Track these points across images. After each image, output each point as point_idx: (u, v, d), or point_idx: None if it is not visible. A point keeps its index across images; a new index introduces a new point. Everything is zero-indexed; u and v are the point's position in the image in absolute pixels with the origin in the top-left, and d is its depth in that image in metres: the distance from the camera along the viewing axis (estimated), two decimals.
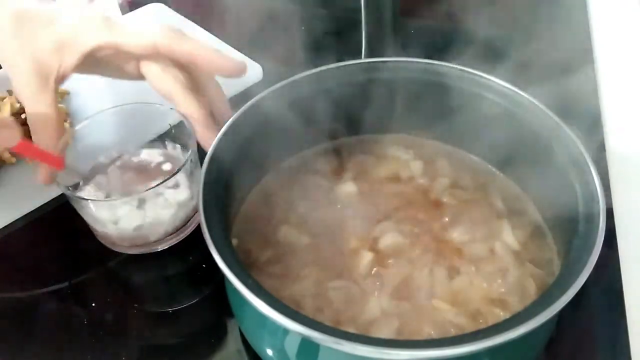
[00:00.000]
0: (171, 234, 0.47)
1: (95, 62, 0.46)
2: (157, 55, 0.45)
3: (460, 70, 0.45)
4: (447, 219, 0.43)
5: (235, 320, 0.42)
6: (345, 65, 0.46)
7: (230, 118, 0.42)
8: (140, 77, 0.48)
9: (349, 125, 0.49)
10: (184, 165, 0.43)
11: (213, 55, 0.45)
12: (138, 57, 0.46)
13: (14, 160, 0.54)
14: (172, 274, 0.49)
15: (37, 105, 0.45)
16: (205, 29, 0.70)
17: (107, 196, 0.46)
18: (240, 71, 0.46)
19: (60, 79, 0.46)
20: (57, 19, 0.45)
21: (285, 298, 0.39)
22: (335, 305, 0.39)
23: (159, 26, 0.45)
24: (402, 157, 0.48)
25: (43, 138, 0.46)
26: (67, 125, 0.55)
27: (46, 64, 0.44)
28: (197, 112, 0.45)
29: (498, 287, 0.39)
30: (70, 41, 0.44)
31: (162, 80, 0.45)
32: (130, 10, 0.76)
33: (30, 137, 0.56)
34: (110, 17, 0.45)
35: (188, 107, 0.45)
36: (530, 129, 0.42)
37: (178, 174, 0.43)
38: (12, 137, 0.42)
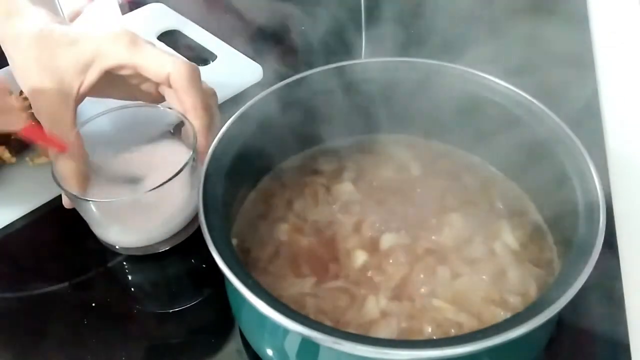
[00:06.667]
0: (172, 235, 0.47)
1: (112, 80, 0.47)
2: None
3: (461, 70, 0.45)
4: (446, 219, 0.43)
5: (235, 320, 0.42)
6: (345, 65, 0.46)
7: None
8: (154, 99, 0.49)
9: (348, 126, 0.49)
10: (184, 166, 0.43)
11: (203, 123, 0.46)
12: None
13: (14, 160, 0.54)
14: (172, 275, 0.49)
15: (57, 126, 0.45)
16: (205, 28, 0.70)
17: (108, 197, 0.46)
18: (201, 154, 0.45)
19: (81, 98, 0.46)
20: (80, 39, 0.45)
21: (285, 298, 0.39)
22: (335, 305, 0.39)
23: (179, 63, 0.45)
24: (402, 157, 0.48)
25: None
26: None
27: (68, 84, 0.45)
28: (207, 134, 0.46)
29: (498, 287, 0.39)
30: (93, 59, 0.45)
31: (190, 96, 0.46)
32: (130, 10, 0.76)
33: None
34: (137, 37, 0.46)
35: (202, 126, 0.46)
36: (530, 129, 0.42)
37: (179, 174, 0.43)
38: (17, 121, 0.42)
